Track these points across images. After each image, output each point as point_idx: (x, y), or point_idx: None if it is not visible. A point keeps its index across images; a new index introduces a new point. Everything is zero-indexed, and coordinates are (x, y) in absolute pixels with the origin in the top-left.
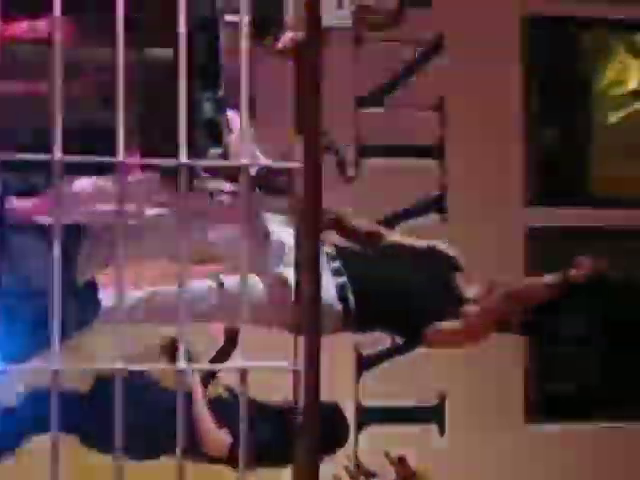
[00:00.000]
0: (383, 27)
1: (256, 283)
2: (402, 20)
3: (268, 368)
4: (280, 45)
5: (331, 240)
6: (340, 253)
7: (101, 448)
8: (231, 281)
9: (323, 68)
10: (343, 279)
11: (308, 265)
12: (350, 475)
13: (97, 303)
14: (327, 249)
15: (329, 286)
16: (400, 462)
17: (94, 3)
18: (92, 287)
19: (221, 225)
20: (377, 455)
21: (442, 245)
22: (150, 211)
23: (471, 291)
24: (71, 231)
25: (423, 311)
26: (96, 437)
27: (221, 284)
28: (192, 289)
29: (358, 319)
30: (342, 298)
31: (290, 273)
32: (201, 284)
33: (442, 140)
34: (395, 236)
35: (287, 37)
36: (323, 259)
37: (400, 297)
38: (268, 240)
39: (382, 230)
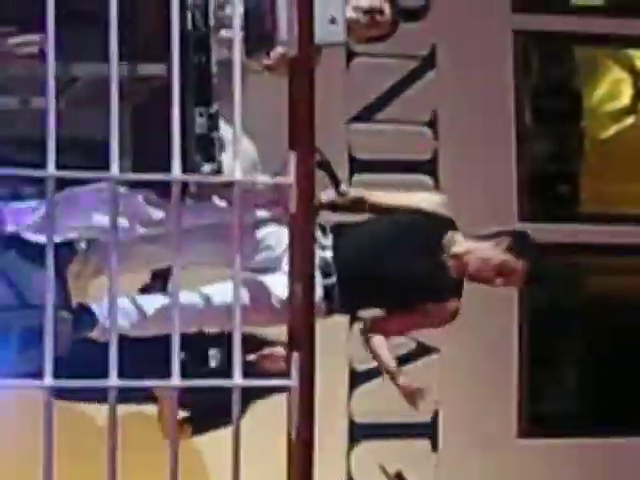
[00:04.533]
0: (378, 39)
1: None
2: (395, 31)
3: (264, 386)
4: (269, 61)
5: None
6: (336, 237)
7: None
8: (215, 291)
9: (315, 84)
10: (332, 280)
11: (302, 282)
12: None
13: (92, 316)
14: (321, 241)
15: (317, 286)
16: (397, 477)
17: (85, 19)
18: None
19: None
20: (370, 472)
21: (432, 203)
22: (140, 229)
23: (462, 247)
24: (60, 248)
25: (408, 291)
26: None
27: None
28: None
29: (340, 309)
30: (328, 297)
31: (273, 279)
32: (190, 294)
33: (435, 155)
34: (383, 197)
35: (277, 53)
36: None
37: (387, 281)
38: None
39: (367, 194)
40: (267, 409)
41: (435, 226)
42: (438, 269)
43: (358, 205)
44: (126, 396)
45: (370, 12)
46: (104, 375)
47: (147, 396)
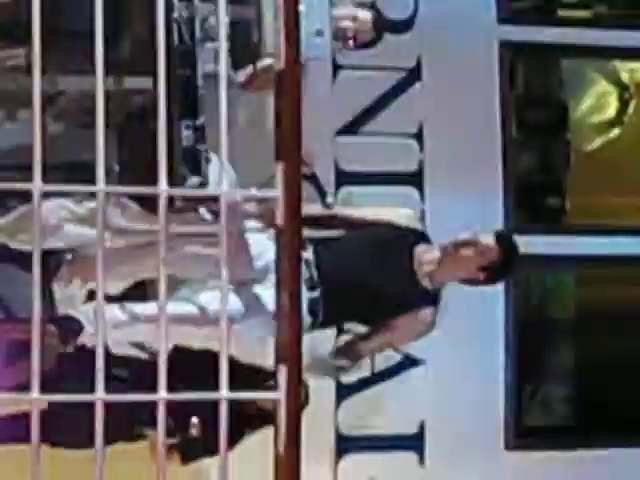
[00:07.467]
0: (363, 45)
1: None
2: (381, 37)
3: (250, 398)
4: (243, 78)
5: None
6: (317, 251)
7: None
8: (208, 299)
9: (301, 96)
10: (316, 293)
11: (289, 294)
12: None
13: (77, 323)
14: (305, 255)
15: (303, 299)
16: None
17: (73, 32)
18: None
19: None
20: None
21: (401, 217)
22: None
23: (431, 255)
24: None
25: (385, 304)
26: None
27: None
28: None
29: (324, 324)
30: (312, 311)
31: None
32: (179, 304)
33: (421, 168)
34: (353, 213)
35: (249, 70)
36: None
37: (363, 295)
38: (248, 254)
39: (335, 210)
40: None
41: (406, 238)
42: (409, 280)
43: (328, 221)
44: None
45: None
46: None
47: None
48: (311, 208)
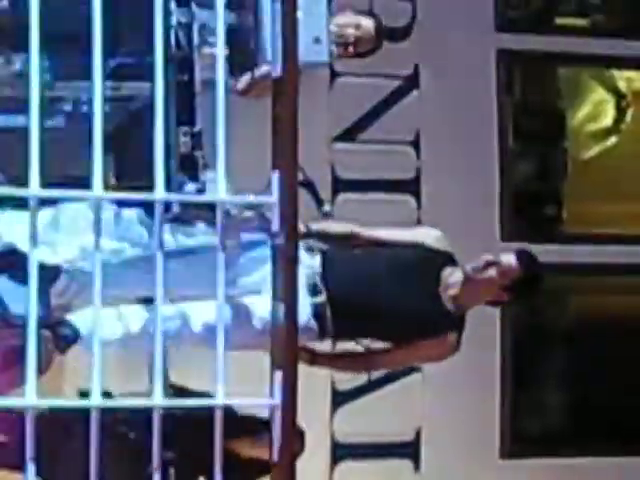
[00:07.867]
0: (364, 53)
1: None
2: (380, 46)
3: (247, 404)
4: (240, 85)
5: (317, 246)
6: (325, 259)
7: None
8: (197, 310)
9: (299, 103)
10: (321, 298)
11: (284, 301)
12: None
13: (73, 330)
14: (308, 261)
15: (305, 304)
16: None
17: (71, 37)
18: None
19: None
20: None
21: (430, 238)
22: (129, 250)
23: (455, 278)
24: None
25: (404, 324)
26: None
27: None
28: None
29: (336, 333)
30: (318, 317)
31: (255, 300)
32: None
33: (417, 175)
34: (376, 232)
35: (246, 77)
36: (301, 277)
37: (383, 312)
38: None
39: (358, 229)
40: None
41: (434, 260)
42: (434, 303)
43: (355, 240)
44: None
45: (346, 27)
46: None
47: None
48: (335, 226)
